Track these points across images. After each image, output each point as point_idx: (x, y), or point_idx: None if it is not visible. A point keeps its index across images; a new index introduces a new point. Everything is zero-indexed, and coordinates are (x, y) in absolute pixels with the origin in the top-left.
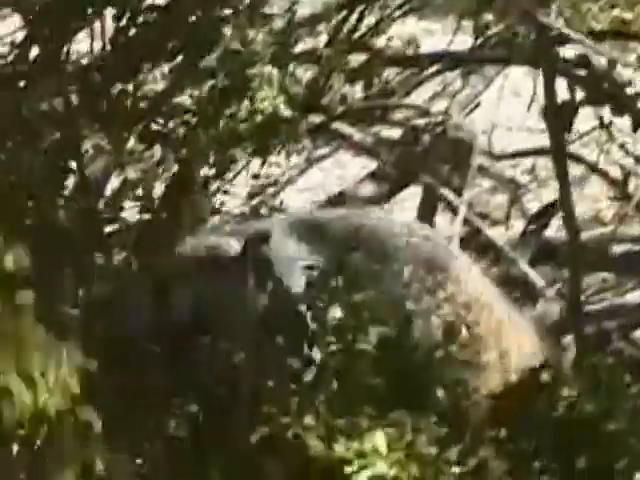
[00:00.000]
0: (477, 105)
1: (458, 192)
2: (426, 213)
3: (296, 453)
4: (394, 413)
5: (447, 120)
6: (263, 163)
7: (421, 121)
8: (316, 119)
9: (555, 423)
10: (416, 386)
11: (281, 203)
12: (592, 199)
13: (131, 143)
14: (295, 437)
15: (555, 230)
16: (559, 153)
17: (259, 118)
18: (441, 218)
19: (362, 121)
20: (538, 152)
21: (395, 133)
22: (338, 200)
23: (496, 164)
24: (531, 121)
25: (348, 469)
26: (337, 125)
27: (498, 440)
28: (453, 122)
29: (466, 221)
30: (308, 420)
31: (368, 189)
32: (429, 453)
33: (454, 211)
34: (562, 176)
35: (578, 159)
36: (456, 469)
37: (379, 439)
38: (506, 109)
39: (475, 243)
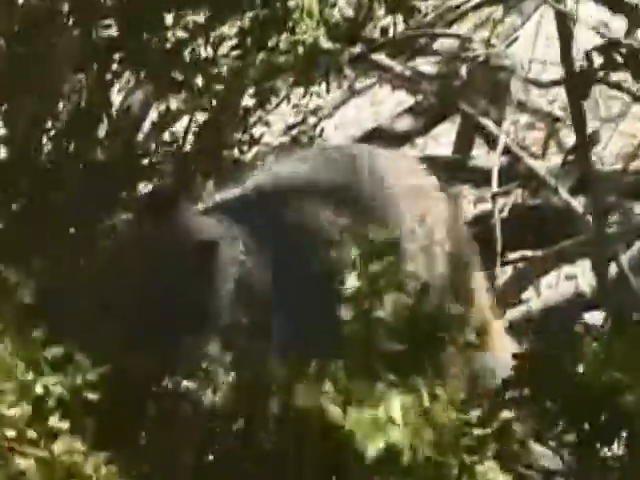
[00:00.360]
0: (515, 39)
1: (497, 125)
2: (463, 146)
3: (313, 419)
4: (410, 379)
5: (487, 51)
6: (304, 95)
7: (461, 53)
8: (356, 51)
9: (579, 383)
10: (432, 349)
11: (321, 133)
12: (629, 135)
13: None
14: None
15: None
16: (578, 119)
17: (300, 50)
18: (479, 152)
19: (402, 53)
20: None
21: (434, 67)
22: (373, 135)
23: (533, 99)
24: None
25: (361, 437)
26: (377, 57)
27: (521, 400)
28: (494, 52)
29: (505, 153)
30: (327, 386)
31: (404, 124)
32: (447, 418)
33: (492, 145)
34: (582, 145)
35: (619, 87)
36: (477, 431)
37: (394, 406)
38: (543, 45)
39: (514, 175)
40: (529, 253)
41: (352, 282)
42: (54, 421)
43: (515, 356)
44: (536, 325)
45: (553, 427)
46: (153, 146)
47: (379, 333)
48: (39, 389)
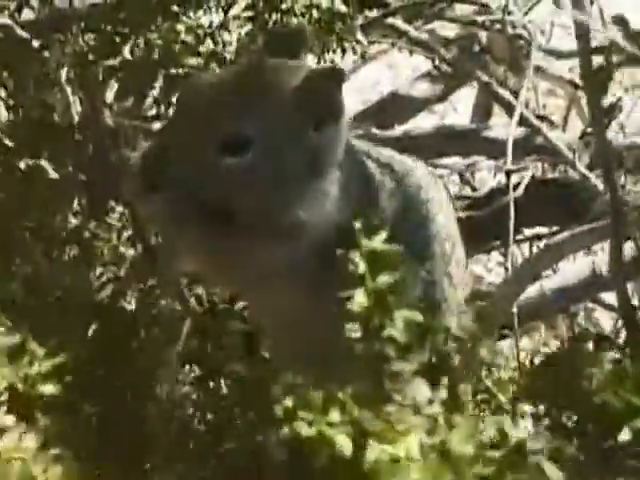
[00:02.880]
0: (536, 3)
1: (514, 93)
2: (480, 114)
3: (321, 454)
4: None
5: (505, 17)
6: (318, 60)
7: (479, 18)
8: (372, 14)
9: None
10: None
11: None
12: None
13: (182, 36)
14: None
15: (615, 133)
16: (597, 116)
17: (315, 13)
18: (497, 120)
19: (418, 17)
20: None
21: (451, 31)
22: (390, 101)
23: (554, 66)
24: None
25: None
26: (393, 21)
27: (535, 416)
28: (512, 19)
29: (523, 122)
30: (334, 415)
31: (421, 89)
32: (465, 451)
33: (510, 113)
34: (602, 140)
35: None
36: (494, 453)
37: (412, 443)
38: (564, 11)
39: (532, 146)
40: (545, 231)
41: (360, 298)
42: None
43: (527, 370)
44: (553, 306)
45: (567, 446)
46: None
47: (390, 353)
48: None
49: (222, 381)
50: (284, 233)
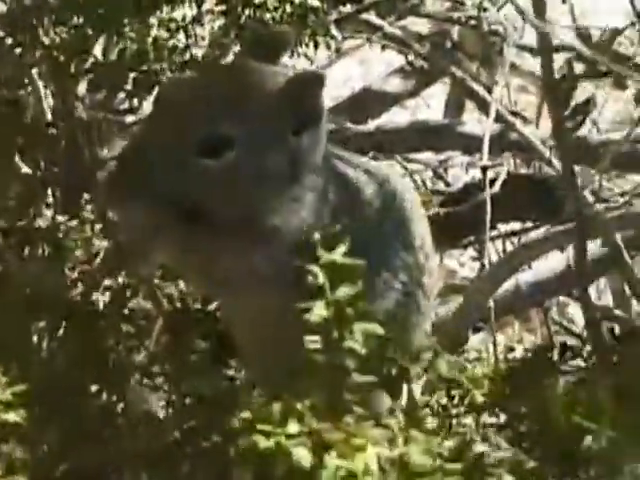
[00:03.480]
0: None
1: (488, 89)
2: (453, 110)
3: (279, 467)
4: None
5: (480, 12)
6: (291, 54)
7: (453, 14)
8: (346, 10)
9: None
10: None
11: None
12: (626, 100)
13: (154, 32)
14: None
15: (588, 130)
16: (559, 131)
17: (288, 7)
18: (469, 116)
19: (392, 14)
20: (569, 49)
21: (425, 27)
22: (362, 96)
23: (526, 62)
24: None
25: None
26: (367, 16)
27: (497, 427)
28: (486, 14)
29: (497, 119)
30: (292, 427)
31: (394, 85)
32: (423, 464)
33: (483, 109)
34: (565, 158)
35: None
36: (454, 466)
37: (370, 456)
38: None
39: (507, 142)
40: (520, 227)
41: (319, 310)
42: None
43: (491, 379)
44: (527, 300)
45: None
46: None
47: (349, 364)
48: None
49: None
50: (260, 237)
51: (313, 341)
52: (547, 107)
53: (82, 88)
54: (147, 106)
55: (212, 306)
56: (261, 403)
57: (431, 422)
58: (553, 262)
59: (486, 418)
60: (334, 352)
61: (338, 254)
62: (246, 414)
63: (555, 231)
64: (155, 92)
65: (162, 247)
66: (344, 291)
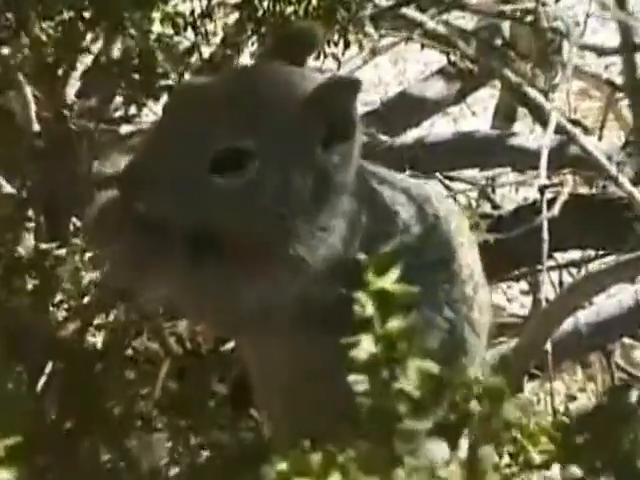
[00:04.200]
0: None
1: (544, 95)
2: (503, 119)
3: None
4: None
5: (537, 7)
6: (318, 55)
7: (504, 7)
8: (381, 2)
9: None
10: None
11: None
12: None
13: (157, 27)
14: None
15: None
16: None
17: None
18: (521, 126)
19: (437, 7)
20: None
21: (471, 21)
22: (396, 102)
23: (589, 63)
24: None
25: None
26: (406, 10)
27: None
28: (545, 9)
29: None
30: None
31: (435, 89)
32: None
33: (538, 117)
34: None
35: None
36: None
37: None
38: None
39: (567, 157)
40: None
41: (367, 345)
42: None
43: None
44: (587, 342)
45: None
46: None
47: (401, 409)
48: None
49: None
50: (281, 269)
51: (359, 382)
52: (632, 112)
53: (71, 93)
54: (148, 114)
55: (228, 346)
56: (298, 454)
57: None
58: (619, 298)
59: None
60: (383, 394)
61: (389, 280)
62: (282, 466)
63: (622, 261)
64: (157, 98)
65: (166, 280)
66: (396, 323)
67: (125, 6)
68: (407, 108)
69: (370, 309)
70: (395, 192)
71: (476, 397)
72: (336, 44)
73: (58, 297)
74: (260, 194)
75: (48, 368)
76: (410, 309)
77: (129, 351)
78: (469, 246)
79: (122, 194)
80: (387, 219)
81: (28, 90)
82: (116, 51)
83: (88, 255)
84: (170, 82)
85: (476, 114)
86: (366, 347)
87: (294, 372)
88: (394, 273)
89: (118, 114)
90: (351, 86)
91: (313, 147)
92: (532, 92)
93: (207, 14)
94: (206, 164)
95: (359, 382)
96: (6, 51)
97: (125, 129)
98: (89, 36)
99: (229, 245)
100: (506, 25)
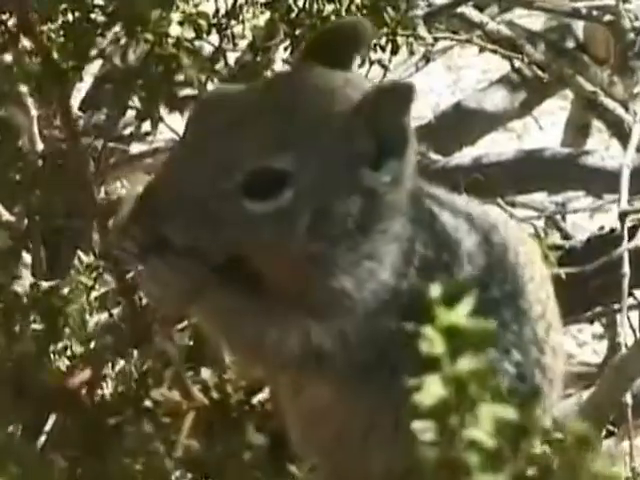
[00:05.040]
0: None
1: (624, 106)
2: (575, 134)
3: None
4: None
5: (617, 4)
6: (362, 62)
7: (579, 4)
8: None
9: None
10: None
11: None
12: None
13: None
14: None
15: None
16: None
17: None
18: (596, 142)
19: (497, 5)
20: None
21: (539, 22)
22: (451, 115)
23: None
24: None
25: None
26: (463, 9)
27: None
28: (625, 6)
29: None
30: None
31: (494, 100)
32: None
33: (617, 132)
34: None
35: None
36: None
37: None
38: None
39: None
40: None
41: (434, 387)
42: None
43: None
44: None
45: None
46: None
47: (472, 460)
48: None
49: None
50: (325, 306)
51: (424, 430)
52: None
53: (75, 106)
54: (163, 132)
55: (261, 396)
56: None
57: None
58: None
59: None
60: (452, 444)
61: (460, 314)
62: None
63: None
64: (177, 111)
65: (194, 314)
66: (467, 363)
67: (140, 6)
68: (463, 122)
69: (439, 346)
70: (457, 217)
71: (559, 446)
72: (383, 49)
73: (62, 342)
74: (296, 222)
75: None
76: (482, 347)
77: (146, 403)
78: (541, 280)
79: (143, 219)
80: (447, 247)
81: (31, 103)
82: (129, 57)
83: (95, 294)
84: (191, 92)
85: (543, 129)
86: (433, 390)
87: (344, 424)
88: (466, 306)
89: (129, 130)
90: (404, 93)
91: (360, 165)
92: (609, 103)
93: (233, 14)
94: (236, 187)
95: (424, 430)
96: (7, 58)
97: (137, 148)
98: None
99: (263, 277)
100: (580, 25)
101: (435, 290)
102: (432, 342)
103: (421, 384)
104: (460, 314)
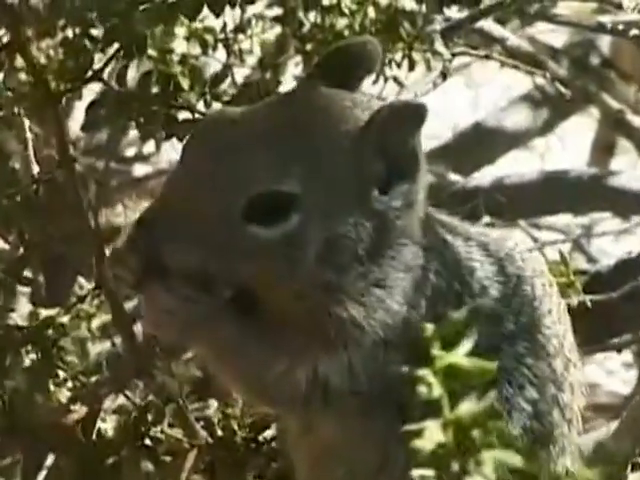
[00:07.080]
0: None
1: None
2: (601, 154)
3: None
4: None
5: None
6: (377, 77)
7: (604, 19)
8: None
9: None
10: None
11: None
12: None
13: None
14: None
15: None
16: None
17: (370, 11)
18: (623, 162)
19: (519, 19)
20: None
21: (562, 37)
22: (470, 134)
23: None
24: None
25: None
26: (483, 24)
27: None
28: None
29: None
30: None
31: (516, 118)
32: None
33: None
34: None
35: None
36: None
37: None
38: None
39: None
40: None
41: (434, 433)
42: None
43: None
44: None
45: None
46: None
47: None
48: None
49: None
50: (332, 337)
51: (424, 478)
52: None
53: (76, 127)
54: (166, 151)
55: (268, 433)
56: None
57: None
58: None
59: None
60: None
61: (459, 354)
62: None
63: None
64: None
65: (195, 345)
66: (468, 406)
67: (142, 21)
68: (482, 142)
69: (437, 390)
70: (470, 246)
71: None
72: (399, 65)
73: (61, 375)
74: (302, 248)
75: (49, 461)
76: (486, 388)
77: (146, 440)
78: (558, 313)
79: (140, 245)
80: (459, 277)
81: (26, 124)
82: (131, 76)
83: (96, 323)
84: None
85: (567, 149)
86: (433, 435)
87: (353, 463)
88: (466, 345)
89: (131, 152)
90: (414, 113)
91: (369, 188)
92: (637, 121)
93: (241, 29)
94: (239, 211)
95: (424, 478)
96: None
97: (141, 170)
98: (98, 57)
99: (268, 306)
100: (605, 41)
101: (429, 330)
102: (430, 385)
103: (421, 429)
104: (459, 354)
